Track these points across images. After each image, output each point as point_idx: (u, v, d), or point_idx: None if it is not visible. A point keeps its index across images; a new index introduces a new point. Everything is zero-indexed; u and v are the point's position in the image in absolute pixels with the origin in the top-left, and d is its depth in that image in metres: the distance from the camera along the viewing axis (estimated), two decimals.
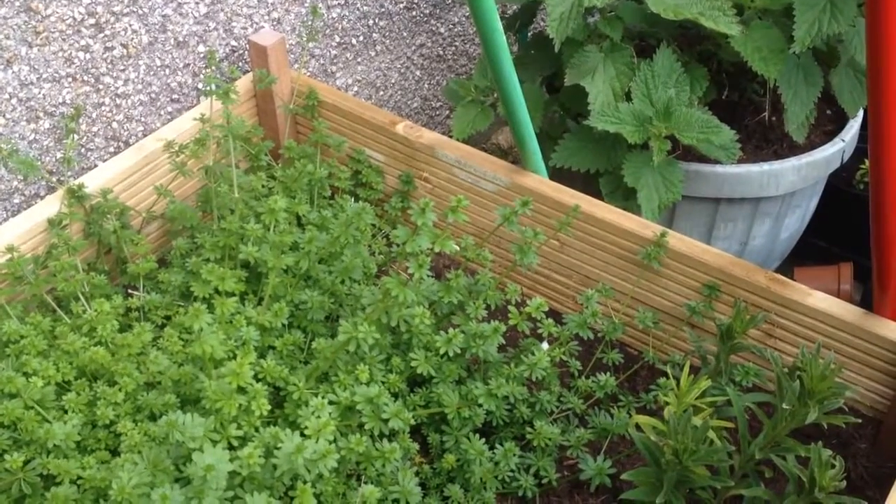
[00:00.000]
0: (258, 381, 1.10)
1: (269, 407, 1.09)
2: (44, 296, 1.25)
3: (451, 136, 1.55)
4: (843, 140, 1.61)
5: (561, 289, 1.45)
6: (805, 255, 1.83)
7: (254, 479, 1.00)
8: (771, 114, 1.62)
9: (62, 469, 1.02)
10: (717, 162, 1.51)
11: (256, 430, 1.08)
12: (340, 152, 1.57)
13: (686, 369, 1.07)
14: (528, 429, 1.19)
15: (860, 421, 1.02)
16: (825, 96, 1.54)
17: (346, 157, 1.58)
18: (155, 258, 1.35)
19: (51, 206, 1.33)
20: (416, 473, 1.16)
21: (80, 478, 1.02)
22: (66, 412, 1.11)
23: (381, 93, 1.91)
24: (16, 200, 1.36)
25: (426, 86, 2.02)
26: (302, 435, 1.00)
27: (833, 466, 0.94)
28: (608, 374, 1.25)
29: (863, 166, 1.79)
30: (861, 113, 1.63)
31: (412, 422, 1.14)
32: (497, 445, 1.18)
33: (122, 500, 0.92)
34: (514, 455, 1.16)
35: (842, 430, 1.09)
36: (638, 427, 1.09)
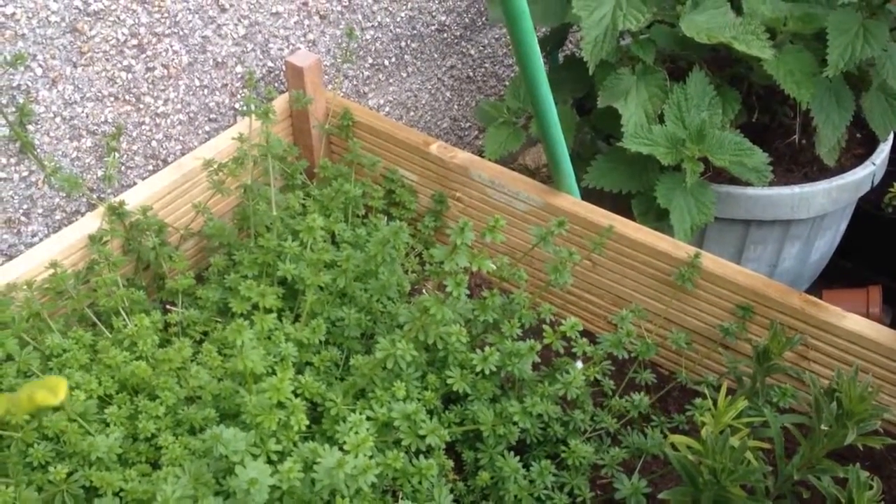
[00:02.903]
0: (296, 396, 1.11)
1: (307, 422, 1.10)
2: (85, 310, 1.28)
3: (481, 157, 1.56)
4: (873, 163, 1.61)
5: (593, 309, 1.46)
6: (834, 277, 1.84)
7: (293, 494, 1.01)
8: (801, 137, 1.63)
9: (105, 481, 1.03)
10: (748, 184, 1.52)
11: (295, 444, 1.09)
12: (374, 172, 1.59)
13: (723, 390, 1.08)
14: (562, 447, 1.20)
15: None
16: (855, 120, 1.54)
17: (380, 176, 1.60)
18: (192, 274, 1.37)
19: (91, 222, 1.36)
20: (451, 490, 1.17)
21: (122, 490, 1.03)
22: (107, 425, 1.12)
23: (412, 113, 1.93)
24: (57, 217, 1.38)
25: (455, 106, 2.04)
26: (341, 450, 1.01)
27: (871, 487, 0.94)
28: (642, 393, 1.26)
29: (891, 189, 1.79)
30: (892, 137, 1.64)
31: (447, 438, 1.15)
32: (531, 463, 1.19)
33: None
34: (550, 473, 1.17)
35: (875, 451, 1.09)
36: (673, 447, 1.10)
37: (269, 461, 1.03)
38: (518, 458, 1.18)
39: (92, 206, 1.41)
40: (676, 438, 1.09)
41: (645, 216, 1.48)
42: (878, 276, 1.77)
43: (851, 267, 1.89)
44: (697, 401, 1.20)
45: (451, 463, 1.19)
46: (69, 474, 1.05)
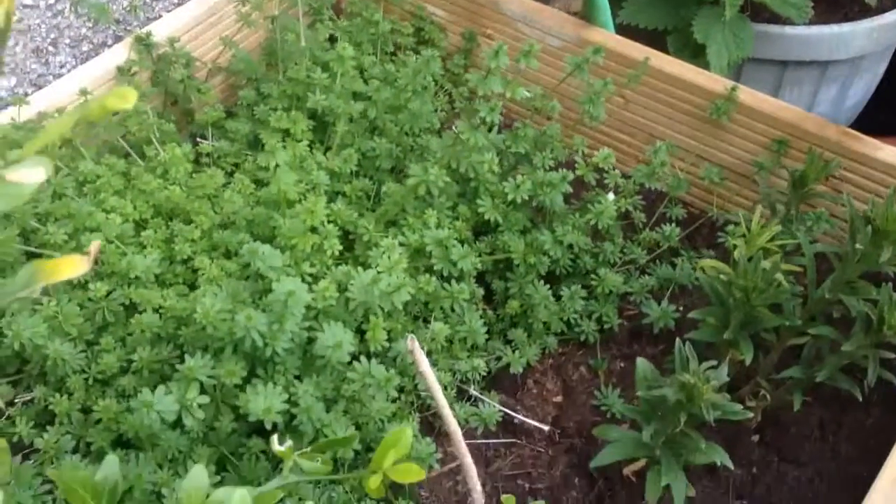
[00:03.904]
0: (329, 223, 1.12)
1: (341, 248, 1.12)
2: (117, 140, 1.27)
3: None
4: None
5: (624, 147, 1.44)
6: (868, 128, 1.79)
7: (328, 313, 1.03)
8: None
9: (144, 298, 1.05)
10: (786, 23, 1.47)
11: (328, 268, 1.10)
12: (402, 8, 1.55)
13: (757, 213, 1.07)
14: (592, 276, 1.21)
15: None
16: None
17: (408, 13, 1.56)
18: (222, 108, 1.36)
19: (119, 53, 1.34)
20: (480, 317, 1.18)
21: (161, 307, 1.06)
22: (144, 247, 1.14)
23: None
24: (84, 48, 1.37)
25: None
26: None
27: None
28: (672, 224, 1.25)
29: None
30: None
31: (478, 266, 1.16)
32: (561, 293, 1.20)
33: (207, 324, 0.95)
34: (579, 298, 1.18)
35: None
36: (703, 272, 1.10)
37: (304, 282, 1.05)
38: (548, 287, 1.19)
39: (118, 39, 1.39)
40: (706, 263, 1.10)
41: (681, 53, 1.44)
42: None
43: (886, 120, 1.85)
44: (730, 227, 1.19)
45: (481, 292, 1.20)
46: (108, 293, 1.07)
